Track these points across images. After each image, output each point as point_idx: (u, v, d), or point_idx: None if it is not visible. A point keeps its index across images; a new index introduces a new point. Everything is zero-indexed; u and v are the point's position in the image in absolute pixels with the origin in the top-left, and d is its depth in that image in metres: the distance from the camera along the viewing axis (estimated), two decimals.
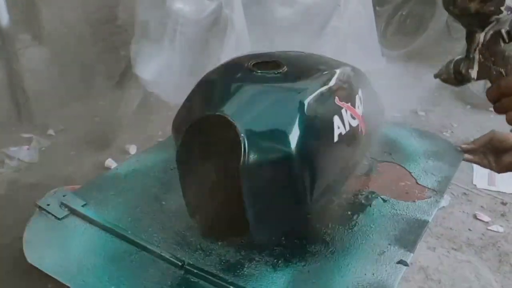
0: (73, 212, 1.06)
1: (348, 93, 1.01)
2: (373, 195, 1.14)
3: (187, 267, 0.93)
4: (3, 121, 3.11)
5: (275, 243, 1.00)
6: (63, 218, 1.05)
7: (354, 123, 1.00)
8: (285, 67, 0.98)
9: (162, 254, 0.95)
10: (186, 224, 1.04)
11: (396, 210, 1.10)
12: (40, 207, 1.07)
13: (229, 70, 1.03)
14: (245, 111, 0.90)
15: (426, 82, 4.18)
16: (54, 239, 1.01)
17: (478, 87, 3.54)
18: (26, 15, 3.20)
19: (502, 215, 2.62)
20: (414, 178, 1.20)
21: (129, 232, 1.00)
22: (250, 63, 0.99)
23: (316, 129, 0.92)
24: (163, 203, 1.11)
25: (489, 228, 2.50)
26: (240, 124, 0.87)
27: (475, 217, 2.59)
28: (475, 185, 2.86)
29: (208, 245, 0.99)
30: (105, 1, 3.43)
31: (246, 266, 0.95)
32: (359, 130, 1.02)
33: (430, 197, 1.14)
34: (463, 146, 1.27)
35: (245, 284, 0.90)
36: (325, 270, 0.94)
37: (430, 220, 1.07)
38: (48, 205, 1.07)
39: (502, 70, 0.64)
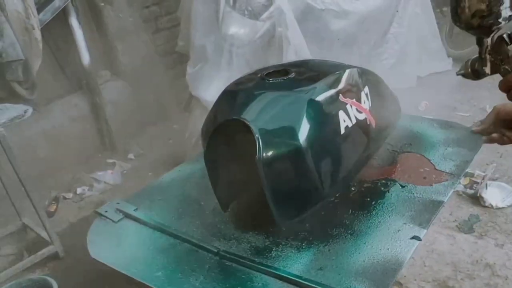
0: (126, 215, 1.25)
1: (352, 90, 1.11)
2: (392, 182, 1.21)
3: (222, 253, 1.07)
4: (90, 149, 3.48)
5: (300, 229, 1.11)
6: (118, 221, 1.24)
7: (361, 116, 1.09)
8: (293, 73, 1.10)
9: (201, 244, 1.10)
10: (221, 219, 1.19)
11: (413, 194, 1.16)
12: (99, 214, 1.27)
13: (246, 81, 1.18)
14: (259, 114, 1.04)
15: (496, 78, 4.05)
16: (112, 238, 1.20)
17: None
18: (105, 54, 3.58)
19: None
20: (433, 165, 1.26)
21: (172, 228, 1.17)
22: (263, 73, 1.12)
23: (323, 123, 1.03)
24: (202, 203, 1.26)
25: None
26: (255, 126, 1.00)
27: None
28: None
29: (240, 234, 1.13)
30: (171, 33, 3.75)
31: (273, 249, 1.07)
32: (367, 122, 1.11)
33: (447, 180, 1.19)
34: (474, 129, 1.28)
35: (272, 263, 1.03)
36: (344, 249, 1.04)
37: (445, 200, 1.12)
38: (106, 211, 1.27)
39: (508, 68, 0.76)
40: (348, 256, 1.01)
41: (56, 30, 3.14)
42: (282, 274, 0.98)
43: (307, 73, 1.16)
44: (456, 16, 0.74)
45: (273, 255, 1.05)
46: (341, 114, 1.05)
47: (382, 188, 1.20)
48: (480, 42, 0.79)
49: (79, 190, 3.16)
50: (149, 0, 3.61)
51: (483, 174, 2.70)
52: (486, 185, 2.68)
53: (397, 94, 1.40)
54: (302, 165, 1.01)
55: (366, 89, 1.14)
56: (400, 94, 1.55)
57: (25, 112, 2.81)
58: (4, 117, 2.35)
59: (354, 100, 1.08)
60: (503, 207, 2.61)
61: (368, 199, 1.17)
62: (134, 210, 1.26)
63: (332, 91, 1.06)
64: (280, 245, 1.08)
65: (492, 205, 2.63)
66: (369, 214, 1.12)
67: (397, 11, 3.88)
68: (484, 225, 2.51)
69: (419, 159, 1.29)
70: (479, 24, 0.74)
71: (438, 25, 4.24)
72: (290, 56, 3.02)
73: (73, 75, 3.42)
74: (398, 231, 1.05)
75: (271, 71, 1.14)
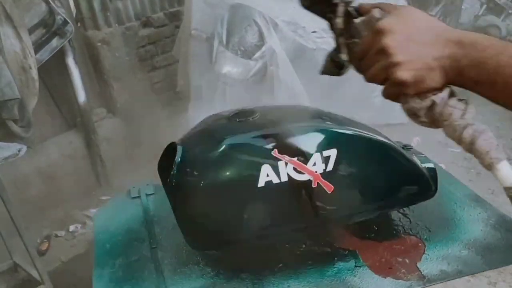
0: None
1: (298, 149, 1.04)
2: (349, 258, 1.16)
3: None
4: (84, 186, 3.48)
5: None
6: None
7: (301, 177, 1.02)
8: (257, 114, 1.10)
9: None
10: None
11: (359, 278, 1.12)
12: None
13: (215, 117, 1.20)
14: (194, 142, 1.10)
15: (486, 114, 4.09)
16: None
17: None
18: (101, 92, 3.63)
19: None
20: None
21: None
22: (231, 113, 1.14)
23: (241, 169, 1.04)
24: None
25: None
26: (180, 151, 1.06)
27: None
28: None
29: None
30: (167, 71, 3.82)
31: None
32: (312, 184, 1.03)
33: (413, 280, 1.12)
34: None
35: None
36: None
37: None
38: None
39: (356, 40, 0.68)
40: None
41: (53, 69, 3.20)
42: None
43: (269, 119, 1.13)
44: None
45: None
46: (265, 167, 1.00)
47: (335, 258, 1.14)
48: (330, 25, 0.72)
49: (71, 228, 3.15)
50: (145, 39, 3.69)
51: None
52: None
53: (389, 131, 1.30)
54: (210, 200, 1.03)
55: (330, 152, 1.04)
56: (392, 131, 1.51)
57: (19, 151, 2.83)
58: None
59: (294, 159, 1.01)
60: None
61: (310, 262, 1.13)
62: None
63: (265, 143, 1.04)
64: None
65: None
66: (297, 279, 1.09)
67: None
68: None
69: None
70: None
71: None
72: (281, 94, 3.07)
73: (69, 113, 3.46)
74: None
75: (241, 111, 1.14)
